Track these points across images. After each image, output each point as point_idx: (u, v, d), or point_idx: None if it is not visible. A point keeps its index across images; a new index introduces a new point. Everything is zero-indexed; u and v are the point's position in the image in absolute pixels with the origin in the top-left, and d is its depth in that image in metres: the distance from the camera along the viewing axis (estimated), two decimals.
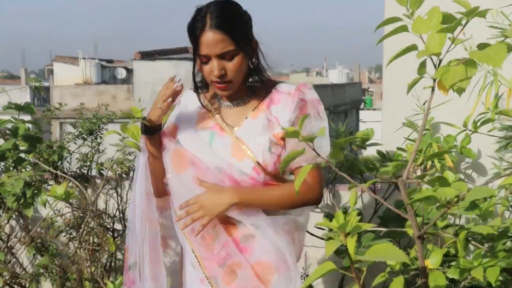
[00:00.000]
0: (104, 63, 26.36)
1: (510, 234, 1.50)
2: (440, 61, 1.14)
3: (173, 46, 20.41)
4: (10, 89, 3.69)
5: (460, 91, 1.14)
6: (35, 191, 1.94)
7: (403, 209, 2.21)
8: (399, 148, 2.40)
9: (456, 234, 1.38)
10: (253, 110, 1.84)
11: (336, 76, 32.05)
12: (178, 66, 16.45)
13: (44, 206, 1.92)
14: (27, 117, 3.09)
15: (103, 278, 2.85)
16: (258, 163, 1.75)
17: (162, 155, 1.87)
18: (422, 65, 1.15)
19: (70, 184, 2.27)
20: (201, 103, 1.90)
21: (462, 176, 2.53)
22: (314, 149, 1.22)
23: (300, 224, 1.88)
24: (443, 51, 1.14)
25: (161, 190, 1.93)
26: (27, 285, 2.27)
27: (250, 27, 1.82)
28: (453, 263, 1.31)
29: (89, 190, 3.04)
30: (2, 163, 2.22)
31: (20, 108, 2.05)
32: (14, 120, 2.04)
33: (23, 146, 2.38)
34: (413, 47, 1.15)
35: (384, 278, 1.30)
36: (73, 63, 25.25)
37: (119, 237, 3.15)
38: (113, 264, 3.10)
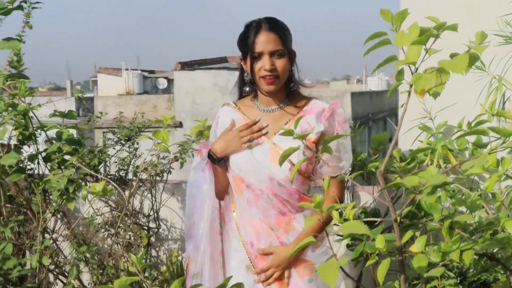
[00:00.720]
0: (146, 73, 27.03)
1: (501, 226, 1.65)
2: (417, 69, 1.31)
3: (213, 56, 20.80)
4: (56, 99, 4.00)
5: (436, 95, 1.31)
6: (76, 187, 2.20)
7: (415, 207, 2.37)
8: (410, 150, 2.55)
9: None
10: (290, 120, 2.11)
11: (375, 84, 31.97)
12: (217, 75, 16.80)
13: (85, 200, 2.16)
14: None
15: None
16: (293, 164, 2.00)
17: (227, 175, 2.18)
18: (400, 73, 1.33)
19: (109, 186, 2.52)
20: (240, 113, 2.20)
21: (476, 178, 2.66)
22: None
23: None
24: (420, 59, 1.32)
25: (223, 196, 2.26)
26: (66, 274, 2.51)
27: (291, 40, 2.13)
28: (435, 247, 1.47)
29: (126, 192, 3.30)
30: (48, 164, 2.48)
31: (64, 115, 2.32)
32: (58, 126, 2.30)
33: (66, 150, 2.63)
34: (393, 58, 1.33)
35: (375, 260, 1.48)
36: (116, 74, 25.98)
37: (154, 235, 3.40)
38: (148, 260, 3.35)
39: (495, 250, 1.74)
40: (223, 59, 19.41)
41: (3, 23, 3.19)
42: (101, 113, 3.75)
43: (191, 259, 2.24)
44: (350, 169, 2.60)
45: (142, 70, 27.29)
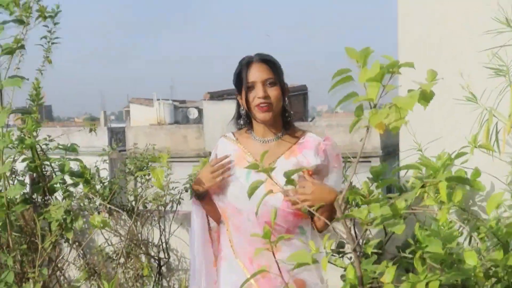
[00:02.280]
0: (177, 103, 27.44)
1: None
2: (375, 105, 1.37)
3: None
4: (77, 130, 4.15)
5: (395, 129, 1.37)
6: (74, 218, 2.30)
7: (414, 238, 2.39)
8: (406, 181, 2.58)
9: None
10: (286, 151, 2.18)
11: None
12: None
13: (80, 230, 2.26)
14: (88, 157, 3.53)
15: None
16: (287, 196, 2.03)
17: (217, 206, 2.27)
18: (359, 108, 1.39)
19: (108, 218, 2.62)
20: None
21: (476, 208, 2.65)
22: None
23: None
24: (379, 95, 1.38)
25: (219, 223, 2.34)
26: None
27: (283, 73, 2.24)
28: (404, 277, 1.50)
29: (138, 222, 3.40)
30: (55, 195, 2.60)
31: (66, 148, 2.44)
32: (62, 159, 2.43)
33: (78, 181, 2.75)
34: (353, 94, 1.39)
35: None
36: (148, 104, 26.44)
37: (164, 265, 3.47)
38: None
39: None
40: None
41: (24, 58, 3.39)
42: (115, 145, 3.89)
43: None
44: None
45: (174, 100, 27.72)
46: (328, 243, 1.58)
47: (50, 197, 2.51)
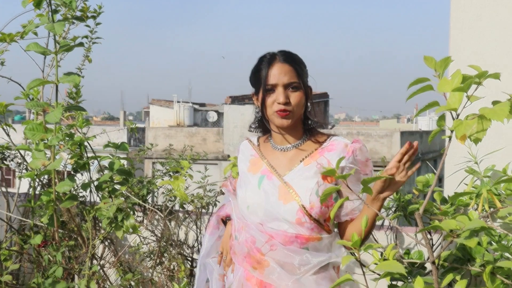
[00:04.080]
0: (196, 106, 27.56)
1: None
2: (458, 115, 1.34)
3: None
4: (109, 130, 4.18)
5: (477, 141, 1.33)
6: (125, 216, 2.28)
7: (467, 251, 2.34)
8: (455, 193, 2.53)
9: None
10: (306, 157, 1.97)
11: (426, 123, 31.65)
12: None
13: (132, 229, 2.24)
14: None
15: None
16: (303, 206, 1.88)
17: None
18: (441, 119, 1.36)
19: (156, 216, 2.60)
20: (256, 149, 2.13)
21: None
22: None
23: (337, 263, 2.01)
24: (462, 105, 1.35)
25: None
26: None
27: (307, 74, 2.01)
28: None
29: (172, 222, 3.39)
30: (100, 193, 2.60)
31: (117, 146, 2.43)
32: (111, 157, 2.41)
33: (117, 180, 2.75)
34: (435, 103, 1.36)
35: None
36: (168, 106, 26.59)
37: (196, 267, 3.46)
38: None
39: None
40: None
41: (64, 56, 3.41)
42: (151, 144, 3.89)
43: None
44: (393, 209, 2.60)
45: (193, 103, 27.86)
46: (392, 253, 1.54)
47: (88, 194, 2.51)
